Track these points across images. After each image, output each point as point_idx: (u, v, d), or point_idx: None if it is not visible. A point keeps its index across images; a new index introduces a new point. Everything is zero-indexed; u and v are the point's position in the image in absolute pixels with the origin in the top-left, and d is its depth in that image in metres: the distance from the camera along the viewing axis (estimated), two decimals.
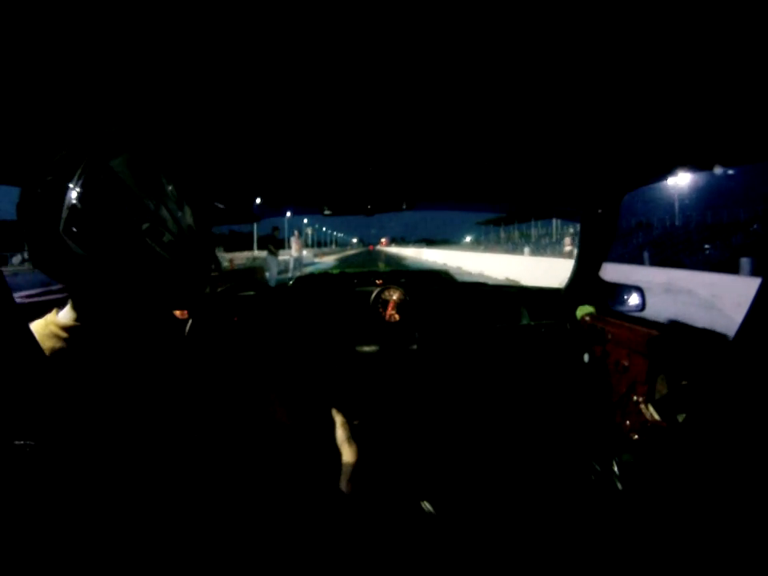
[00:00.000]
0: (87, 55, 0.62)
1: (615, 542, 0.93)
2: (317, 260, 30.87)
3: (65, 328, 0.50)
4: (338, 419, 0.71)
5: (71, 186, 0.44)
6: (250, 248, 37.07)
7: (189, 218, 0.52)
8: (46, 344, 0.48)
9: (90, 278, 0.47)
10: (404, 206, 1.64)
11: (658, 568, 0.82)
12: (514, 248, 34.69)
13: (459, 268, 17.85)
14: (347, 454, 0.67)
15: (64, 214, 0.44)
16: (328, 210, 1.64)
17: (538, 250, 23.70)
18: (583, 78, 0.76)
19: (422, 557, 0.88)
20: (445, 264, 22.07)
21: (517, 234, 48.50)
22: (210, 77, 0.73)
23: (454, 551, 1.02)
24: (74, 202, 0.44)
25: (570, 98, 0.85)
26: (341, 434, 0.69)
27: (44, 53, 0.59)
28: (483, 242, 57.77)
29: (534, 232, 41.01)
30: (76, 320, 0.51)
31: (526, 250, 21.94)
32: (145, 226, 0.47)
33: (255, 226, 32.54)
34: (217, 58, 0.66)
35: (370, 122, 0.99)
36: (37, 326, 0.51)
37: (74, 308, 0.52)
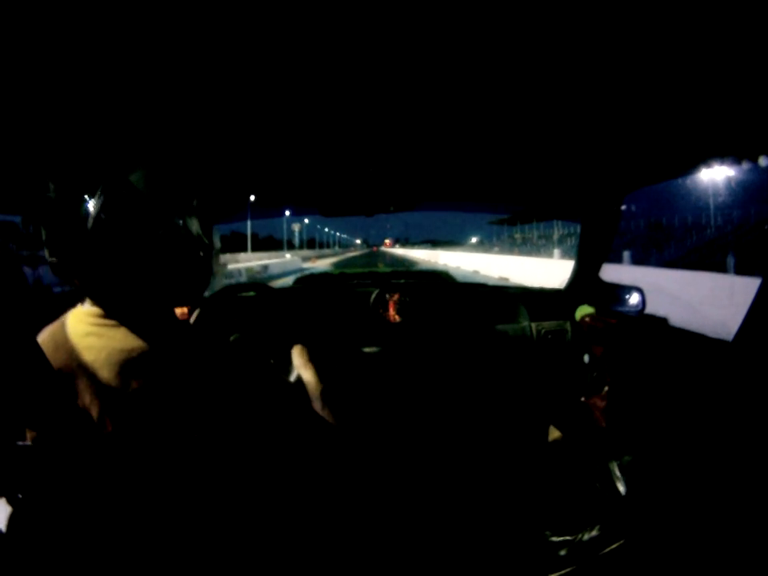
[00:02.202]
0: (88, 56, 0.66)
1: (617, 543, 0.93)
2: (306, 265, 26.00)
3: (97, 316, 0.60)
4: (297, 349, 0.87)
5: (96, 198, 0.55)
6: (253, 249, 35.78)
7: (196, 226, 0.63)
8: (79, 328, 0.60)
9: (113, 277, 0.57)
10: (405, 207, 1.70)
11: (661, 569, 0.84)
12: (536, 250, 32.98)
13: (506, 279, 13.93)
14: (307, 375, 0.82)
15: (90, 223, 0.55)
16: (327, 210, 1.70)
17: (567, 251, 21.85)
18: (585, 80, 0.80)
19: (420, 554, 1.01)
20: (477, 271, 18.40)
21: (536, 234, 46.70)
22: (209, 75, 0.76)
23: (453, 551, 1.07)
24: (100, 212, 0.55)
25: (570, 98, 0.89)
26: (300, 360, 0.85)
27: (43, 53, 0.64)
28: (497, 243, 55.91)
29: (555, 232, 39.22)
30: (102, 310, 0.61)
31: (556, 251, 20.10)
32: (161, 231, 0.58)
33: (249, 224, 30.84)
34: (217, 56, 0.70)
35: (371, 121, 1.03)
36: (71, 316, 0.62)
37: (96, 304, 0.61)
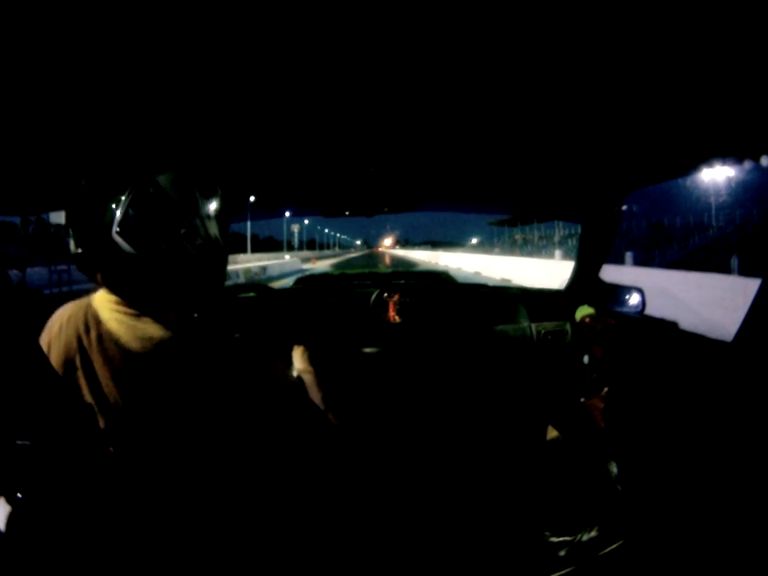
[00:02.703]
0: (89, 57, 0.67)
1: (617, 544, 0.94)
2: (306, 266, 25.92)
3: (118, 303, 0.64)
4: (298, 351, 0.91)
5: (126, 196, 0.59)
6: (254, 251, 35.75)
7: (215, 228, 0.67)
8: (105, 313, 0.63)
9: (137, 272, 0.61)
10: (405, 207, 1.71)
11: (661, 569, 0.83)
12: (537, 251, 33.02)
13: (509, 281, 13.34)
14: (307, 379, 0.85)
15: (119, 218, 0.59)
16: (328, 210, 1.72)
17: (568, 252, 21.85)
18: (585, 79, 0.81)
19: (420, 554, 1.02)
20: (478, 273, 17.96)
21: (536, 235, 46.70)
22: (209, 73, 0.77)
23: (453, 551, 1.07)
24: (129, 209, 0.59)
25: (570, 99, 0.89)
26: (301, 364, 0.88)
27: (48, 56, 0.66)
28: (497, 244, 55.91)
29: (556, 233, 39.23)
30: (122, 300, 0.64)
31: (557, 252, 20.13)
32: (183, 230, 0.62)
33: (249, 224, 30.87)
34: (217, 55, 0.71)
35: (371, 122, 1.03)
36: (96, 299, 0.66)
37: (115, 295, 0.64)
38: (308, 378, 0.86)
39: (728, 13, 0.60)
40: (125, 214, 0.59)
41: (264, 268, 17.42)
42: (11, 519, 0.49)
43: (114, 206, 0.59)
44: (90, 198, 0.60)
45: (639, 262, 16.88)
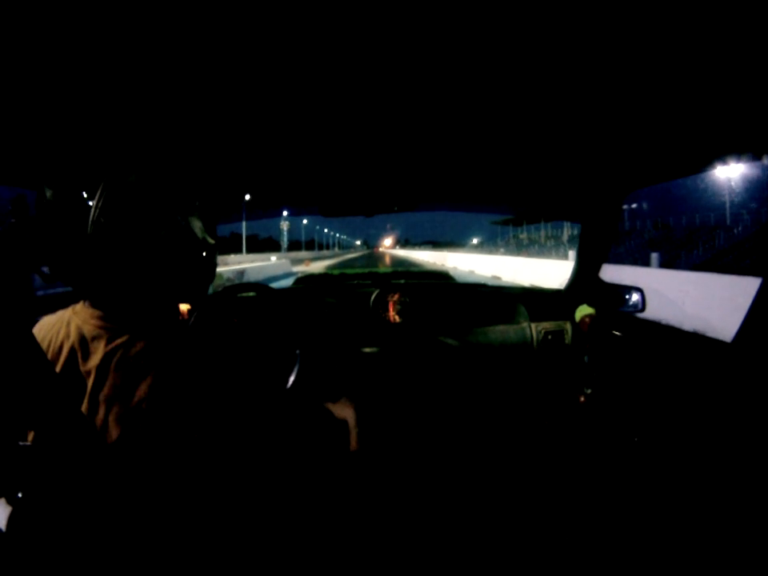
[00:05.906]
0: (88, 56, 0.69)
1: (617, 544, 0.96)
2: (298, 269, 23.71)
3: (100, 318, 0.62)
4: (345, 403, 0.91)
5: (95, 201, 0.57)
6: (252, 251, 35.50)
7: (200, 226, 0.65)
8: (86, 329, 0.61)
9: (115, 281, 0.59)
10: (405, 207, 1.76)
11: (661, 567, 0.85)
12: (546, 251, 32.98)
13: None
14: (349, 416, 0.86)
15: (92, 226, 0.57)
16: (327, 210, 1.75)
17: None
18: (585, 81, 0.83)
19: (420, 553, 1.05)
20: (497, 277, 16.79)
21: (543, 234, 46.60)
22: (207, 71, 0.78)
23: (453, 551, 1.12)
24: (99, 216, 0.57)
25: (571, 99, 0.91)
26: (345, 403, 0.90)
27: (44, 54, 0.66)
28: (501, 245, 55.69)
29: (565, 232, 39.19)
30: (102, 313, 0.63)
31: (571, 253, 20.09)
32: (163, 232, 0.60)
33: (244, 224, 30.85)
34: (216, 53, 0.72)
35: (372, 121, 1.05)
36: (74, 316, 0.64)
37: (96, 307, 0.63)
38: (351, 424, 0.89)
39: (730, 4, 0.60)
40: (96, 222, 0.57)
41: (241, 273, 15.49)
42: (11, 519, 0.51)
43: (83, 213, 0.57)
44: (60, 205, 0.58)
45: (663, 264, 16.58)
